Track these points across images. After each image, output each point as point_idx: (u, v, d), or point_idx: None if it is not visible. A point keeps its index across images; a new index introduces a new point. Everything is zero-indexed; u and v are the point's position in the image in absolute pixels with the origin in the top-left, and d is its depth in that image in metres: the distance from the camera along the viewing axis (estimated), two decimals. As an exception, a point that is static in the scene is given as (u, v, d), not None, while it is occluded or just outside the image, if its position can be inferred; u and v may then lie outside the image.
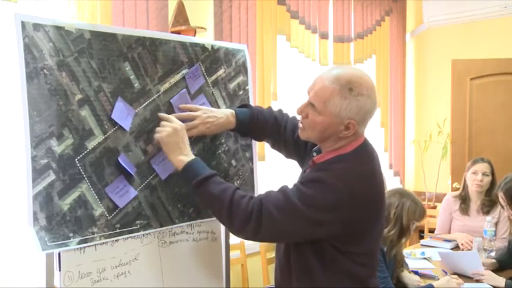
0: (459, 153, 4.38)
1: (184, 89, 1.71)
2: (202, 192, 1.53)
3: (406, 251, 2.90)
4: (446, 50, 4.73)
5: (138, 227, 1.59)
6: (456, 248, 3.22)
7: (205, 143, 1.77)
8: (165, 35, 1.69)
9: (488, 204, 3.30)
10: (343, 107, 1.45)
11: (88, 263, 1.46)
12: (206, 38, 2.86)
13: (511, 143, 4.30)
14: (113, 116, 1.51)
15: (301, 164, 1.75)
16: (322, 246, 1.49)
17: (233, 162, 1.88)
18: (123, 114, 1.54)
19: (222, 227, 1.86)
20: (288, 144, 1.77)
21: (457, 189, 3.65)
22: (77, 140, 1.43)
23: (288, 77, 3.67)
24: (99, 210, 1.48)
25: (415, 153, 4.97)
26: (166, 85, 1.66)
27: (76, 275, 1.42)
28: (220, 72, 1.84)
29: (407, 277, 2.49)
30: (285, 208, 1.44)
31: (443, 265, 2.79)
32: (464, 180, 3.42)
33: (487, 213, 3.27)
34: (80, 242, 1.43)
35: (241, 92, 1.92)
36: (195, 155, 1.59)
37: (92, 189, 1.46)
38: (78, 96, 1.44)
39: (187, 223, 1.74)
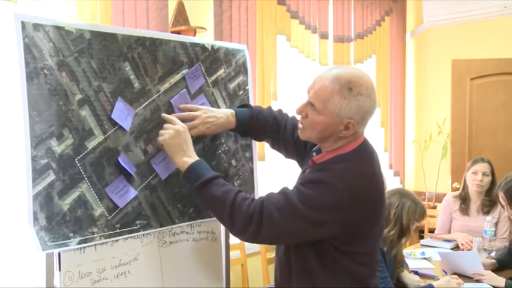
0: (459, 153, 4.38)
1: (184, 89, 1.71)
2: (205, 194, 1.53)
3: (406, 251, 2.90)
4: (446, 50, 4.73)
5: (138, 227, 1.59)
6: (456, 248, 3.22)
7: (205, 143, 1.77)
8: (165, 35, 1.69)
9: (488, 204, 3.30)
10: (342, 106, 1.45)
11: (88, 263, 1.46)
12: (206, 38, 2.86)
13: (511, 143, 4.30)
14: (112, 116, 1.51)
15: (301, 164, 1.75)
16: (322, 246, 1.48)
17: (233, 162, 1.88)
18: (123, 114, 1.54)
19: (222, 227, 1.86)
20: (287, 144, 1.77)
21: (457, 189, 3.65)
22: (77, 140, 1.43)
23: (288, 77, 3.68)
24: (99, 210, 1.48)
25: (415, 153, 4.98)
26: (166, 85, 1.66)
27: (76, 275, 1.42)
28: (220, 72, 1.84)
29: (407, 277, 2.49)
30: (285, 209, 1.44)
31: (443, 265, 2.79)
32: (464, 180, 3.42)
33: (487, 213, 3.27)
34: (80, 242, 1.43)
35: (241, 92, 1.92)
36: (194, 155, 1.59)
37: (92, 189, 1.46)
38: (78, 96, 1.44)
39: (187, 223, 1.74)
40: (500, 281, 2.50)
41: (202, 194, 1.53)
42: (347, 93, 1.44)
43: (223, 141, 1.84)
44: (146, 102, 1.61)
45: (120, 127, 1.53)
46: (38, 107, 1.34)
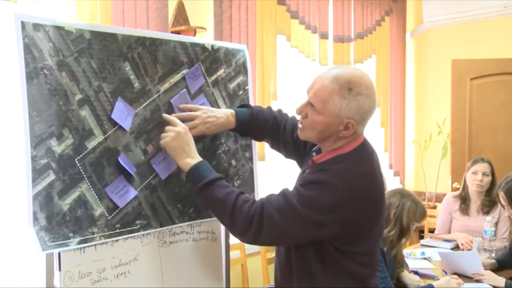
0: (459, 153, 4.38)
1: (184, 89, 1.71)
2: (207, 196, 1.53)
3: (406, 251, 2.90)
4: (446, 50, 4.73)
5: (138, 227, 1.59)
6: (456, 248, 3.22)
7: (205, 143, 1.77)
8: (165, 35, 1.69)
9: (488, 204, 3.30)
10: (342, 106, 1.45)
11: (88, 263, 1.46)
12: (206, 38, 2.86)
13: (511, 143, 4.30)
14: (112, 116, 1.51)
15: (301, 164, 1.75)
16: (322, 247, 1.49)
17: (233, 162, 1.88)
18: (123, 114, 1.54)
19: (222, 227, 1.86)
20: (287, 144, 1.77)
21: (457, 189, 3.65)
22: (77, 140, 1.43)
23: (288, 77, 3.68)
24: (99, 210, 1.48)
25: (415, 153, 4.98)
26: (166, 85, 1.66)
27: (76, 275, 1.42)
28: (220, 72, 1.84)
29: (407, 277, 2.49)
30: (285, 211, 1.44)
31: (443, 265, 2.79)
32: (464, 180, 3.42)
33: (487, 213, 3.27)
34: (80, 242, 1.43)
35: (241, 92, 1.92)
36: (195, 155, 1.59)
37: (92, 189, 1.46)
38: (78, 96, 1.44)
39: (187, 223, 1.74)
40: (500, 281, 2.51)
41: (204, 195, 1.53)
42: (347, 93, 1.44)
43: (223, 141, 1.84)
44: (146, 102, 1.61)
45: (120, 127, 1.53)
46: (38, 107, 1.34)
